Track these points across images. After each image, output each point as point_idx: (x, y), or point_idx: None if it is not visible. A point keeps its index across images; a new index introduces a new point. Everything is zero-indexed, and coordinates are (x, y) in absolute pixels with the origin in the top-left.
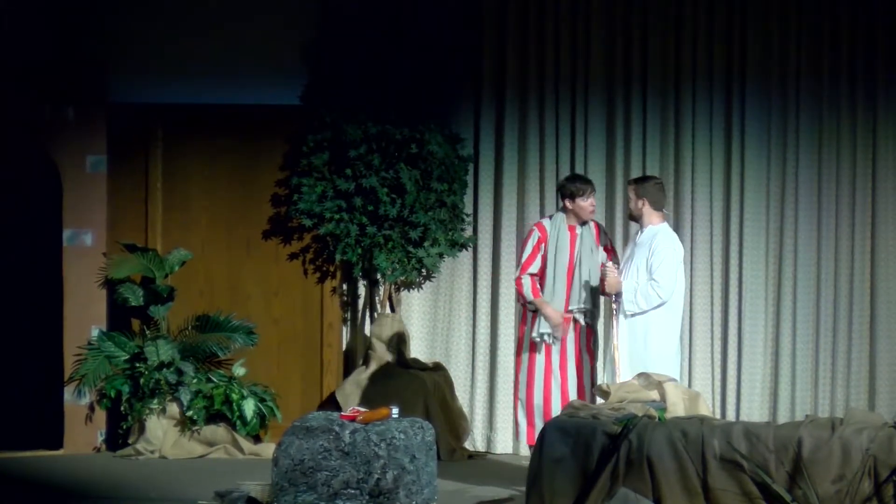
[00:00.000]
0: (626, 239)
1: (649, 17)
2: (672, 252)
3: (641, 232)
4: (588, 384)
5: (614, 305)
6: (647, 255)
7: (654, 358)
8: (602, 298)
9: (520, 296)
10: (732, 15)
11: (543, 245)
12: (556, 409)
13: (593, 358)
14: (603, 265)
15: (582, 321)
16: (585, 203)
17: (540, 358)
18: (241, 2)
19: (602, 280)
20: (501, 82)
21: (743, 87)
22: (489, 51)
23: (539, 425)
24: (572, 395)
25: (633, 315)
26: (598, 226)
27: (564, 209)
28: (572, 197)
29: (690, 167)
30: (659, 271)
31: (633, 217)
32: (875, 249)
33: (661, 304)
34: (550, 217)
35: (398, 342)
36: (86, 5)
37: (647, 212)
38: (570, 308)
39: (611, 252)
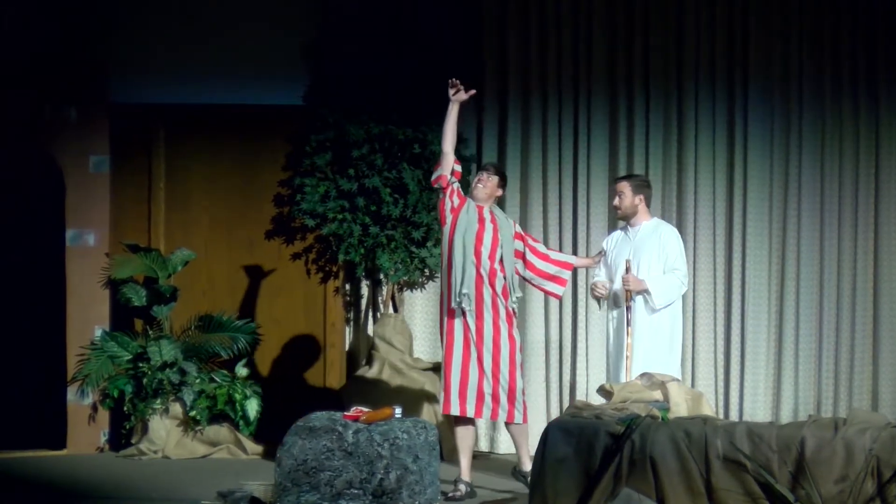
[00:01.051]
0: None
1: (651, 16)
2: (680, 242)
3: (635, 229)
4: (506, 364)
5: (629, 304)
6: (658, 250)
7: (668, 346)
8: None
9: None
10: (734, 14)
11: (458, 200)
12: (472, 384)
13: (514, 341)
14: (627, 261)
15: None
16: (475, 181)
17: (458, 333)
18: (244, 2)
19: (623, 283)
20: (504, 82)
21: (745, 87)
22: (491, 50)
23: (454, 399)
24: (487, 369)
25: (662, 308)
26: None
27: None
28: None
29: (693, 167)
30: (678, 262)
31: (626, 214)
32: (878, 249)
33: (684, 292)
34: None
35: (401, 342)
36: (87, 5)
37: (642, 209)
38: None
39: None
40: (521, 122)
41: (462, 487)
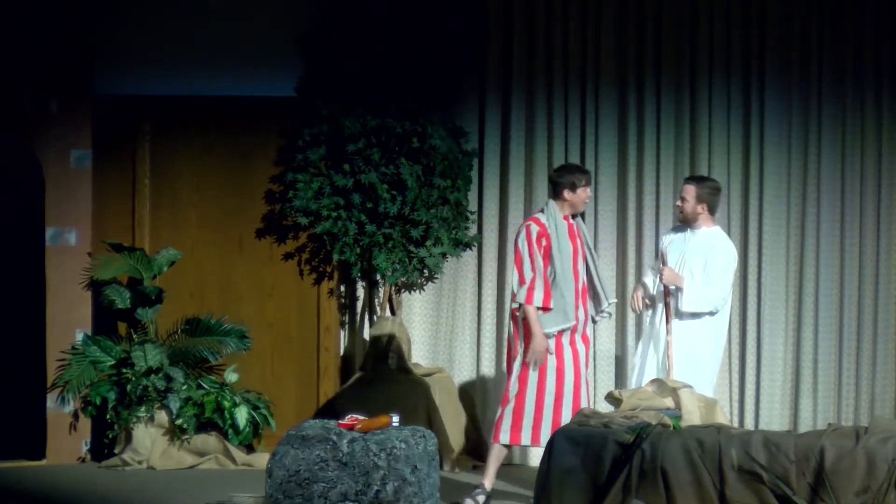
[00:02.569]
0: (640, 237)
1: (664, 2)
2: (732, 262)
3: (693, 233)
4: (584, 393)
5: (668, 300)
6: (703, 261)
7: (705, 365)
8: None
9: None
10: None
11: (545, 240)
12: (547, 415)
13: (587, 366)
14: (663, 254)
15: (591, 326)
16: (585, 194)
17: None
18: None
19: (660, 273)
20: (508, 72)
21: (762, 78)
22: (495, 39)
23: (527, 428)
24: (568, 401)
25: (686, 315)
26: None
27: (560, 199)
28: (573, 187)
29: (707, 162)
30: (720, 278)
31: (686, 219)
32: None
33: (715, 310)
34: (542, 210)
35: (399, 347)
36: None
37: (704, 216)
38: (592, 314)
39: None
40: (526, 115)
41: (480, 498)
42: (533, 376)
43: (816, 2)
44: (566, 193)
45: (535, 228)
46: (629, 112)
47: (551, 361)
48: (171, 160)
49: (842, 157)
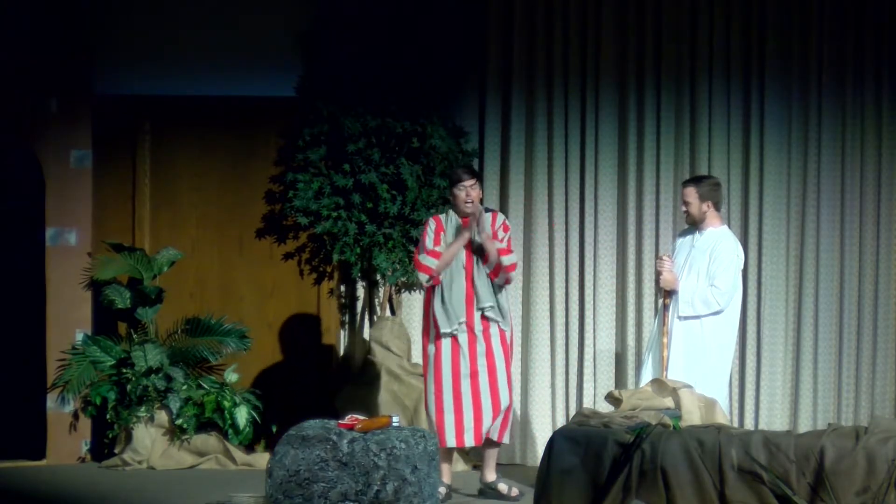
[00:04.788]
0: (640, 237)
1: (664, 2)
2: (735, 259)
3: (702, 234)
4: (504, 385)
5: (667, 301)
6: (708, 261)
7: (713, 366)
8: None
9: (425, 273)
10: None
11: (442, 235)
12: (467, 412)
13: (508, 357)
14: (659, 259)
15: (489, 318)
16: (459, 193)
17: (447, 359)
18: None
19: (658, 274)
20: (508, 72)
21: (762, 77)
22: (495, 39)
23: (449, 428)
24: (485, 396)
25: (686, 318)
26: (495, 216)
27: (451, 200)
28: (451, 185)
29: (707, 162)
30: (720, 278)
31: (694, 221)
32: None
33: (718, 312)
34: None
35: (399, 347)
36: None
37: (711, 214)
38: (476, 308)
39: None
40: (526, 115)
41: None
42: (430, 379)
43: (817, 1)
44: (451, 195)
45: (432, 224)
46: (629, 112)
47: (445, 362)
48: (171, 160)
49: (842, 157)
